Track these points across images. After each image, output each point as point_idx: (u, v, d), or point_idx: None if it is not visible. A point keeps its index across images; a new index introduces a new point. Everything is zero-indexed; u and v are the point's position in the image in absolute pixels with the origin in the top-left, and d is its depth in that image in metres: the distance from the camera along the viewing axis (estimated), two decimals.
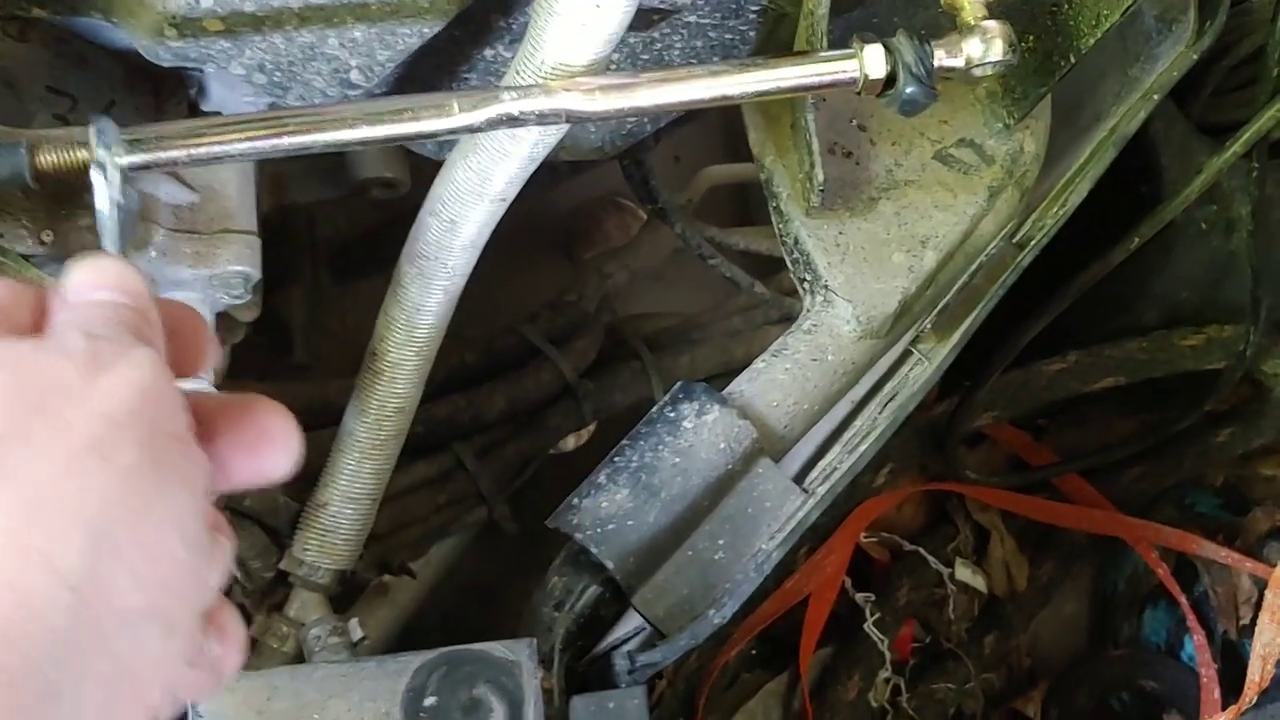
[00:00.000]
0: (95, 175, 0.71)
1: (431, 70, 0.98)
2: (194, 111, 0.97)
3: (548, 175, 1.01)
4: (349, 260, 1.55)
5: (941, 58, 0.83)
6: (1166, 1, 1.07)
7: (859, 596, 1.43)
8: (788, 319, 1.49)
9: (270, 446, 0.58)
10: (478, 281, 1.01)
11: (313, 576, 1.04)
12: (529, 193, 0.95)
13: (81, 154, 0.74)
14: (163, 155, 0.74)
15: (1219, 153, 1.12)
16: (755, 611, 1.36)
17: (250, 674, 0.78)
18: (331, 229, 1.53)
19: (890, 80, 0.83)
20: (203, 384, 0.84)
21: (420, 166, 1.27)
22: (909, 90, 0.82)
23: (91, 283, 0.56)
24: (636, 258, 1.51)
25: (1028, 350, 1.28)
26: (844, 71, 0.82)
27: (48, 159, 0.73)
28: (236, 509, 1.01)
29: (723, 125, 1.75)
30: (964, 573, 1.50)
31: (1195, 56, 1.03)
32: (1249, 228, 1.24)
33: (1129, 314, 1.36)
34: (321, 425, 1.32)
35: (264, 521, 1.04)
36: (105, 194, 0.72)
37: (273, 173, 1.20)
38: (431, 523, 1.32)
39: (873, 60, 0.81)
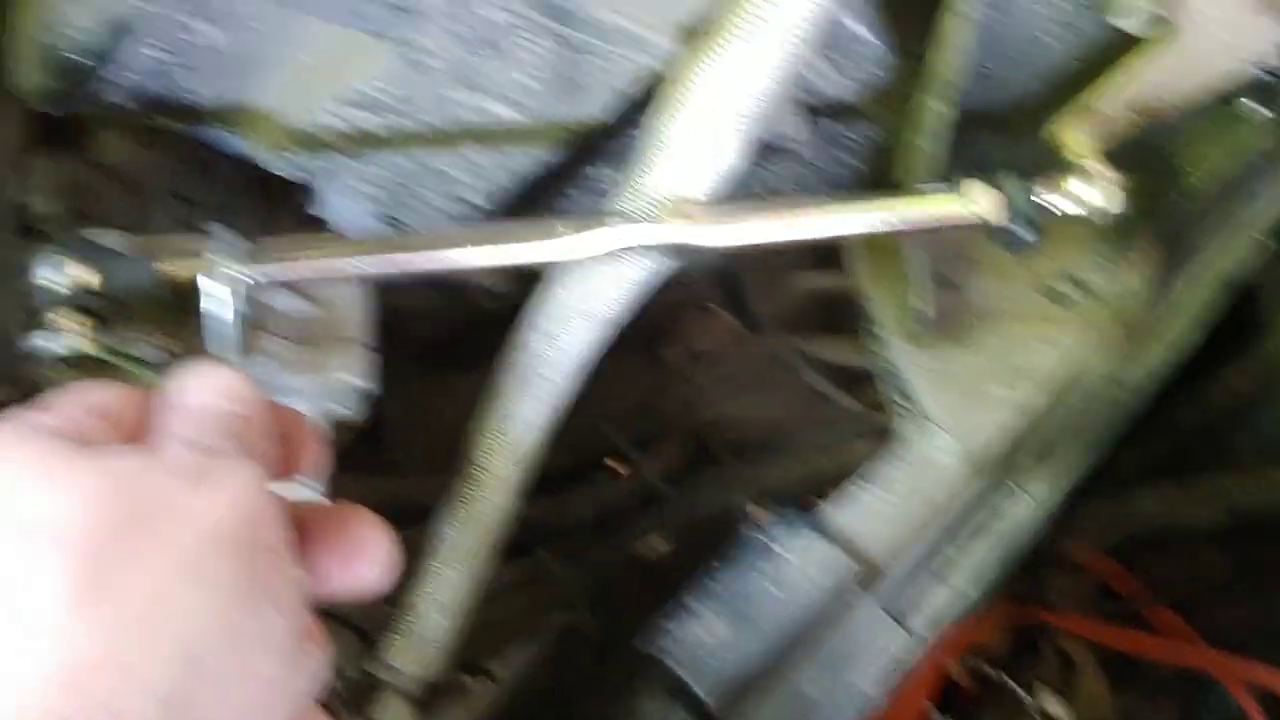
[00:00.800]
0: (207, 283, 0.74)
1: (542, 189, 1.00)
2: (305, 217, 1.00)
3: None
4: (443, 355, 1.57)
5: (1048, 198, 0.83)
6: (1275, 138, 1.07)
7: None
8: (875, 434, 1.48)
9: (365, 561, 0.58)
10: None
11: (401, 682, 1.04)
12: None
13: (204, 265, 0.76)
14: (281, 270, 0.76)
15: None
16: None
17: None
18: (427, 324, 1.55)
19: (998, 219, 0.83)
20: (313, 491, 0.85)
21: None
22: (1016, 230, 0.82)
23: (198, 387, 0.57)
24: (723, 364, 1.52)
25: (1122, 478, 1.26)
26: (952, 211, 0.82)
27: (172, 269, 0.76)
28: (328, 610, 1.01)
29: None
30: (1049, 702, 1.46)
31: None
32: None
33: (1227, 447, 1.34)
34: (412, 524, 1.34)
35: (355, 624, 1.04)
36: (218, 303, 0.74)
37: None
38: (514, 626, 1.32)
39: (981, 200, 0.82)
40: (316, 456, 0.63)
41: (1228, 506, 1.32)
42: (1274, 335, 1.14)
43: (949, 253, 1.01)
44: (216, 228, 0.73)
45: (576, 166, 0.99)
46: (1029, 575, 1.42)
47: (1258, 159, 1.07)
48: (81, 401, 0.56)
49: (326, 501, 0.64)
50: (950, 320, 0.98)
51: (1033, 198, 0.82)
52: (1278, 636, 1.52)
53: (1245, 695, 1.46)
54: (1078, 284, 1.01)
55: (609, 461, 1.43)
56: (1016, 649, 1.50)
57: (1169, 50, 0.78)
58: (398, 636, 1.04)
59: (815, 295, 1.72)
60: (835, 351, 1.50)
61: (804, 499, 1.66)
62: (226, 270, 0.72)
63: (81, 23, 0.73)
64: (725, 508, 1.42)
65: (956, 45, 0.78)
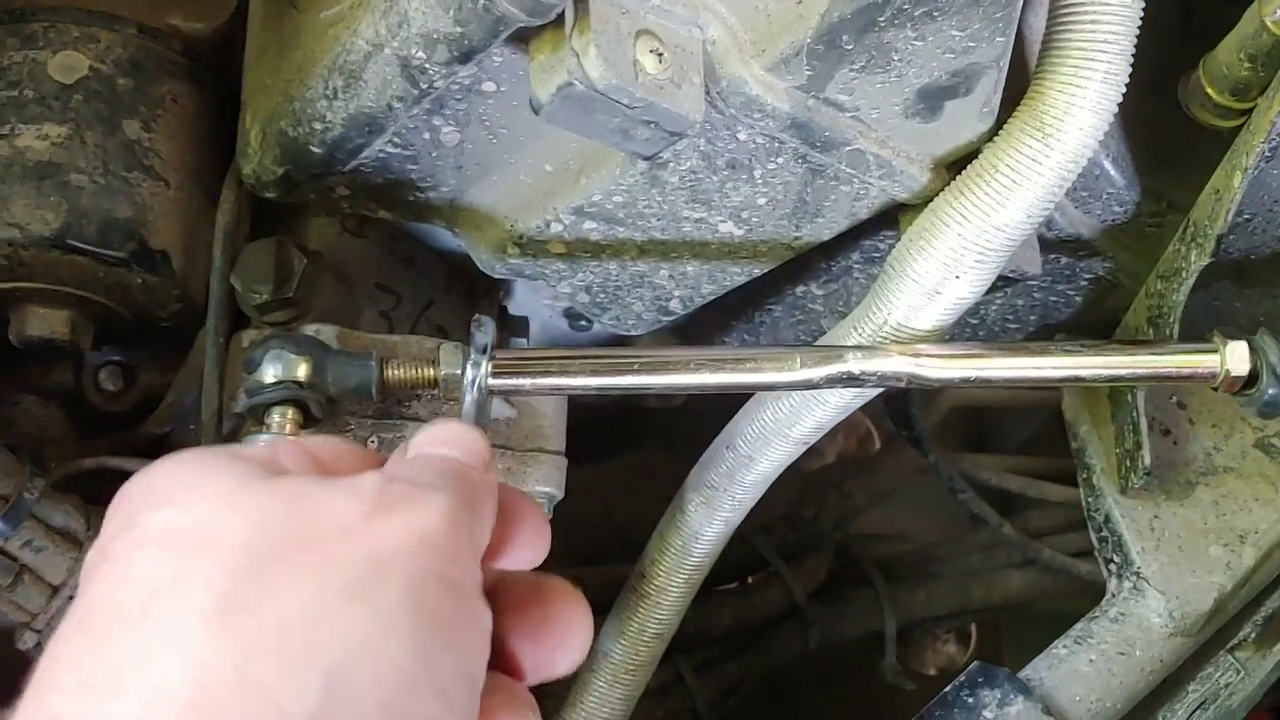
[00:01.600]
0: (467, 391, 0.71)
1: (739, 299, 0.97)
2: (502, 313, 0.98)
3: None
4: (583, 443, 1.54)
5: None
6: None
7: None
8: (1030, 563, 1.43)
9: (563, 647, 0.53)
10: None
11: None
12: None
13: (429, 371, 0.74)
14: (519, 381, 0.73)
15: None
16: None
17: None
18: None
19: (1251, 379, 0.78)
20: None
21: None
22: (1271, 392, 0.77)
23: (431, 440, 0.54)
24: (877, 479, 1.47)
25: None
26: (1204, 366, 0.78)
27: (395, 373, 0.73)
28: None
29: None
30: None
31: None
32: None
33: None
34: None
35: None
36: (471, 409, 0.71)
37: None
38: None
39: (1236, 358, 0.77)
40: (537, 544, 0.56)
41: None
42: None
43: (1165, 398, 0.97)
44: (477, 330, 0.70)
45: (789, 285, 0.97)
46: None
47: None
48: (296, 443, 0.53)
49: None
50: (1168, 473, 0.93)
51: None
52: None
53: None
54: None
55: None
56: None
57: None
58: None
59: (967, 409, 1.67)
60: (993, 472, 1.44)
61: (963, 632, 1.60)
62: (481, 377, 0.70)
63: (334, 119, 0.71)
64: (871, 631, 1.37)
65: (1231, 198, 0.73)
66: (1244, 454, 0.95)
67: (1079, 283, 0.92)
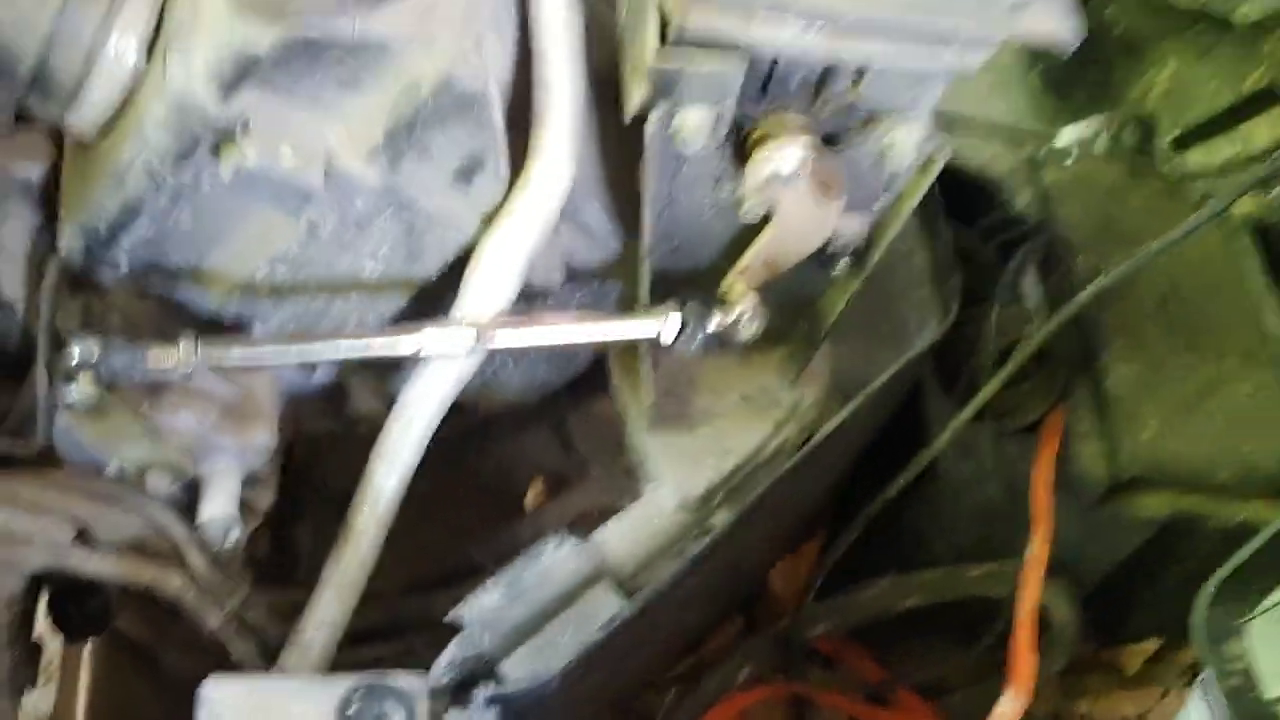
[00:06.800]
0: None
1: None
2: None
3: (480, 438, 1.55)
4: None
5: (720, 322, 1.32)
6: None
7: None
8: None
9: None
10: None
11: None
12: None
13: (174, 356, 1.23)
14: (217, 357, 1.22)
15: (955, 414, 1.57)
16: None
17: None
18: (336, 476, 1.98)
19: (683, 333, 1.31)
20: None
21: None
22: (696, 341, 1.30)
23: None
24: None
25: (862, 575, 1.71)
26: (653, 328, 1.31)
27: (155, 356, 1.22)
28: (241, 618, 1.41)
29: None
30: None
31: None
32: (999, 480, 1.66)
33: (927, 549, 1.77)
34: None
35: (262, 637, 1.43)
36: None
37: (294, 404, 1.66)
38: None
39: (672, 319, 1.30)
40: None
41: (930, 596, 1.75)
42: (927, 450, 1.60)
43: (681, 377, 1.50)
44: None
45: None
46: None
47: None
48: None
49: None
50: (678, 418, 1.45)
51: (708, 319, 1.30)
52: None
53: None
54: (769, 396, 1.49)
55: None
56: None
57: (776, 233, 1.29)
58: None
59: None
60: None
61: None
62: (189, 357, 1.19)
63: (109, 205, 1.22)
64: None
65: (648, 227, 1.28)
66: (731, 404, 1.47)
67: (606, 298, 1.46)
